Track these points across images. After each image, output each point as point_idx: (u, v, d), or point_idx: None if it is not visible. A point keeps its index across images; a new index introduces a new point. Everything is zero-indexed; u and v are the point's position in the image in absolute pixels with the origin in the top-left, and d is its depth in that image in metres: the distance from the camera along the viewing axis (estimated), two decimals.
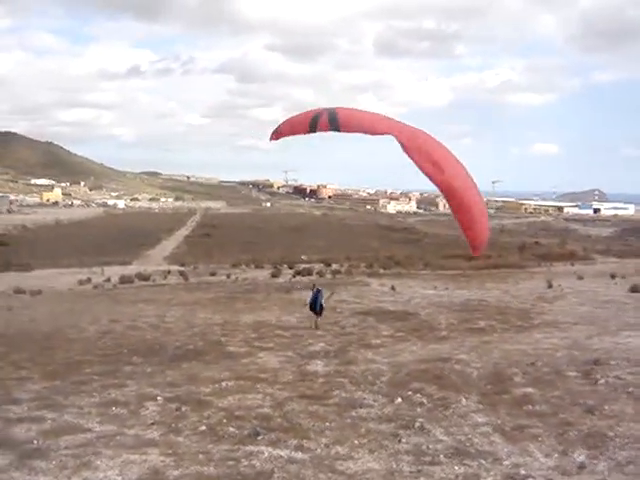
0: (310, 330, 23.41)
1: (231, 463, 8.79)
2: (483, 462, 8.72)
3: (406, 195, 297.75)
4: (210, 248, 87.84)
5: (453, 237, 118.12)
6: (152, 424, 10.89)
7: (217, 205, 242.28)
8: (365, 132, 16.69)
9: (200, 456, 9.14)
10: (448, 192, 13.16)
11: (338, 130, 18.32)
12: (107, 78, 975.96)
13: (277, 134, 19.92)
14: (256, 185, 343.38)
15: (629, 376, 13.26)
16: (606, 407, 11.15)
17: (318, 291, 24.84)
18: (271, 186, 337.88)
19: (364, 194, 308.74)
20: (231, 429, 10.46)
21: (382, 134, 16.67)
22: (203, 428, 10.59)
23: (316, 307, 24.58)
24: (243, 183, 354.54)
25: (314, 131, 19.10)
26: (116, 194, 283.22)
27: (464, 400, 12.06)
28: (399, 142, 16.64)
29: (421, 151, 15.48)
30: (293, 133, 19.32)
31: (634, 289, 34.68)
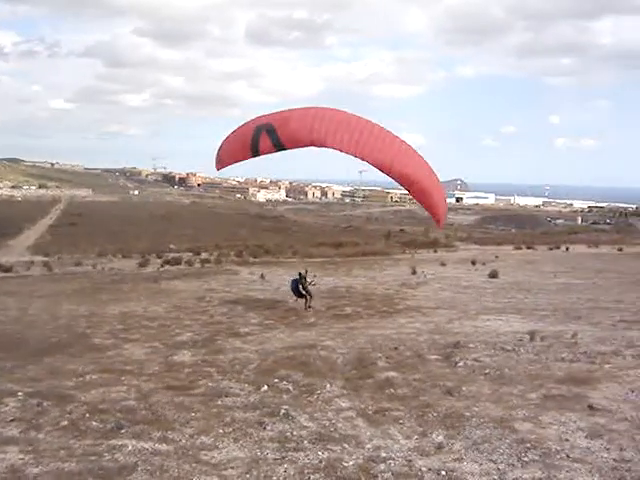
0: (305, 312, 24.21)
1: (93, 458, 8.59)
2: (346, 446, 8.90)
3: (276, 184, 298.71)
4: (75, 237, 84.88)
5: (321, 225, 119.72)
6: (12, 421, 10.49)
7: (83, 193, 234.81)
8: (310, 145, 16.57)
9: (61, 452, 8.89)
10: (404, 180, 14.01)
11: (284, 149, 18.01)
12: None
13: (220, 164, 19.40)
14: (124, 173, 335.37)
15: (487, 358, 13.85)
16: (464, 388, 11.61)
17: (299, 276, 25.26)
18: (139, 174, 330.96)
19: (234, 182, 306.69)
20: (94, 423, 10.22)
21: (325, 146, 16.59)
22: (65, 423, 10.29)
23: (297, 291, 25.17)
24: (110, 170, 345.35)
25: (257, 154, 18.64)
26: None
27: (329, 386, 12.26)
28: (339, 150, 16.71)
29: (371, 151, 15.77)
30: (237, 161, 18.85)
31: (492, 275, 36.21)
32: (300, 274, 25.38)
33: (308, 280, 25.47)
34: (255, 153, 18.16)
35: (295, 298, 25.64)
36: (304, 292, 25.20)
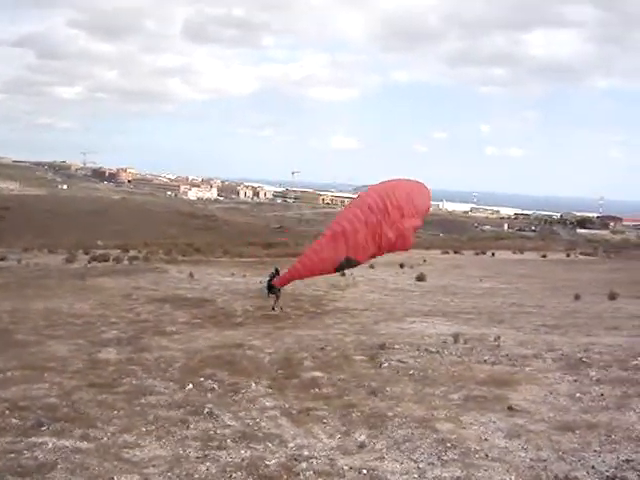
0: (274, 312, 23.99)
1: (12, 456, 8.42)
2: (269, 445, 8.92)
3: (207, 182, 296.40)
4: (0, 231, 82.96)
5: (252, 225, 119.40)
6: None
7: (10, 186, 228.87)
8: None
9: None
10: None
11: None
12: None
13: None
14: (53, 166, 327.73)
15: (411, 360, 14.03)
16: (388, 389, 11.75)
17: (274, 273, 25.08)
18: (69, 168, 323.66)
19: (165, 179, 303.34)
20: (14, 420, 10.00)
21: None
22: None
23: (269, 289, 25.00)
24: (39, 164, 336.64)
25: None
26: None
27: (254, 385, 12.26)
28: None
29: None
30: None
31: (419, 278, 36.78)
32: (277, 270, 25.39)
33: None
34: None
35: (269, 295, 25.55)
36: (274, 291, 25.16)
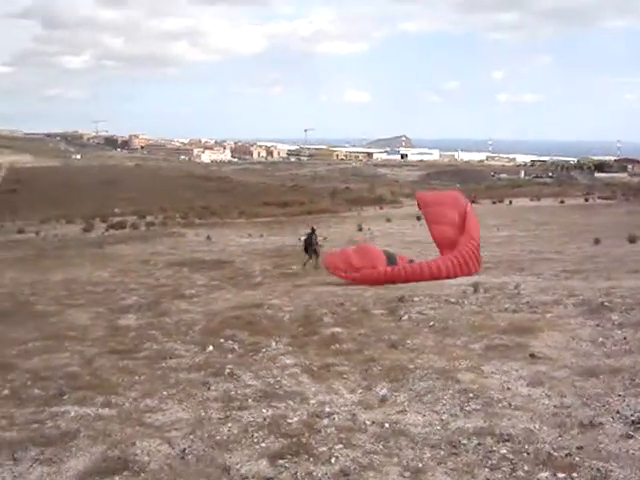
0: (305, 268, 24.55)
1: (35, 426, 8.43)
2: (291, 403, 8.89)
3: (220, 144, 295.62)
4: (17, 204, 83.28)
5: (267, 185, 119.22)
6: None
7: (23, 159, 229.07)
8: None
9: (2, 421, 8.70)
10: None
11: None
12: None
13: None
14: (65, 137, 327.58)
15: (431, 311, 13.94)
16: (408, 341, 11.67)
17: (311, 233, 25.58)
18: (81, 137, 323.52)
19: (178, 144, 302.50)
20: (36, 391, 10.04)
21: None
22: (6, 392, 10.08)
23: (307, 250, 25.49)
24: (52, 135, 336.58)
25: None
26: None
27: (274, 344, 12.24)
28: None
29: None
30: None
31: None
32: (313, 229, 25.46)
33: (318, 238, 25.61)
34: None
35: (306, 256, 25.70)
36: (312, 250, 25.27)
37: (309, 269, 24.85)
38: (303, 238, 26.13)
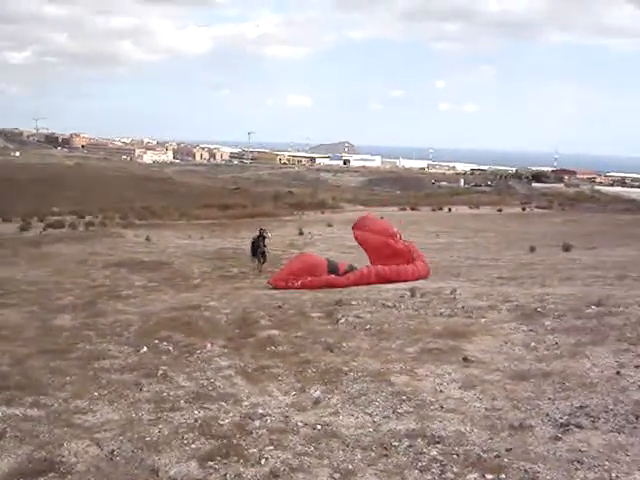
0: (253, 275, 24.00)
1: None
2: (223, 404, 8.82)
3: (163, 145, 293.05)
4: None
5: (209, 187, 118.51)
6: None
7: None
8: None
9: None
10: None
11: None
12: None
13: None
14: (4, 133, 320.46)
15: (367, 314, 13.99)
16: (344, 344, 11.70)
17: (259, 235, 25.31)
18: (21, 135, 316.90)
19: (119, 143, 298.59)
20: None
21: None
22: None
23: (255, 253, 25.28)
24: None
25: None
26: None
27: (210, 345, 12.14)
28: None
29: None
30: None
31: None
32: (260, 231, 25.32)
33: (266, 241, 25.45)
34: None
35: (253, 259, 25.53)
36: (259, 254, 25.12)
37: (256, 272, 24.75)
38: (251, 240, 26.02)
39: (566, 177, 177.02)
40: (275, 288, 19.95)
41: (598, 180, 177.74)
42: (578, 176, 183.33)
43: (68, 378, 10.36)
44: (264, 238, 25.53)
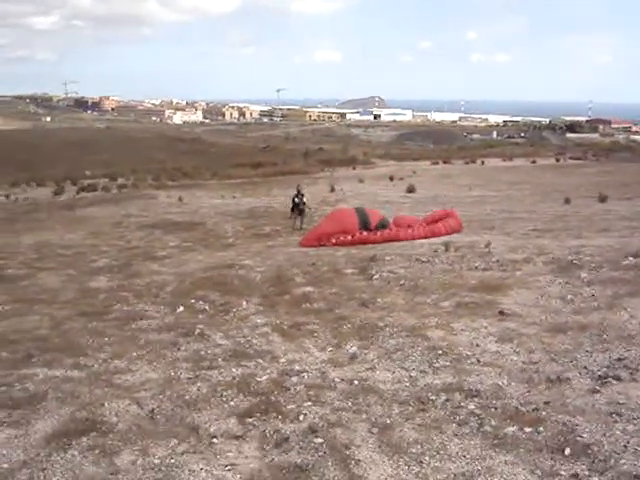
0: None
1: (3, 389, 8.34)
2: (260, 361, 8.90)
3: (192, 105, 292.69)
4: None
5: (239, 146, 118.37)
6: None
7: None
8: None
9: None
10: None
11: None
12: None
13: None
14: (35, 99, 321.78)
15: (401, 270, 13.97)
16: (379, 300, 11.71)
17: (298, 193, 25.42)
18: (50, 99, 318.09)
19: (149, 105, 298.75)
20: (4, 354, 9.91)
21: None
22: None
23: (294, 209, 25.42)
24: (20, 97, 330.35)
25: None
26: None
27: (245, 303, 12.22)
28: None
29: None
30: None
31: (409, 189, 36.66)
32: (298, 188, 25.38)
33: (304, 198, 25.47)
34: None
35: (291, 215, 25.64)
36: (298, 210, 25.21)
37: (290, 229, 24.78)
38: (291, 198, 26.02)
39: (601, 127, 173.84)
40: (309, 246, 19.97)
41: (634, 129, 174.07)
42: (613, 125, 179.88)
43: (107, 339, 10.49)
44: (303, 195, 25.49)
